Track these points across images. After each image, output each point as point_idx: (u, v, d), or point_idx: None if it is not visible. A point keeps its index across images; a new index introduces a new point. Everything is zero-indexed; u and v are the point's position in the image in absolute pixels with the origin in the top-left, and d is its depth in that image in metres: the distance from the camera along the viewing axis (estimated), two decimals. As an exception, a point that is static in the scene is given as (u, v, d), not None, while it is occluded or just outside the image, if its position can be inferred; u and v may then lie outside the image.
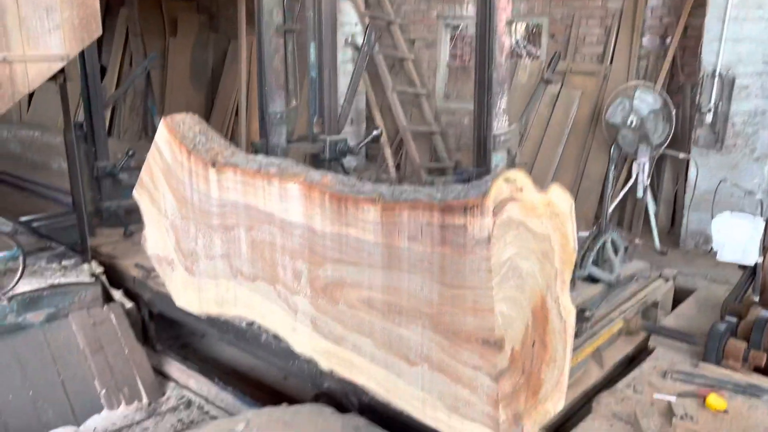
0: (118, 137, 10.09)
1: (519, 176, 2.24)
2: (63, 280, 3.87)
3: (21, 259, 3.43)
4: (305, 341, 3.00)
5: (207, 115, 9.76)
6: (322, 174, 2.80)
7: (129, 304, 4.05)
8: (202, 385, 3.90)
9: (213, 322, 3.75)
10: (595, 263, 3.54)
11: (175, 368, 4.13)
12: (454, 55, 8.16)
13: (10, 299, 3.44)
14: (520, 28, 8.79)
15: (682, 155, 5.48)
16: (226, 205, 3.15)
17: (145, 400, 3.68)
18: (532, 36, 7.27)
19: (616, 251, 3.65)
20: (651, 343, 3.60)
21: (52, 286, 3.72)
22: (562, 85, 6.67)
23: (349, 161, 8.34)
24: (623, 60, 6.39)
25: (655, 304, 3.83)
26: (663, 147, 5.39)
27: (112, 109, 10.29)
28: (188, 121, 3.44)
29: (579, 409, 3.18)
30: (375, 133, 3.63)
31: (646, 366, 3.32)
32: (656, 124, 5.27)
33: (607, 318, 3.44)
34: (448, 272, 2.30)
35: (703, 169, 5.37)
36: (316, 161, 3.55)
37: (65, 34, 3.31)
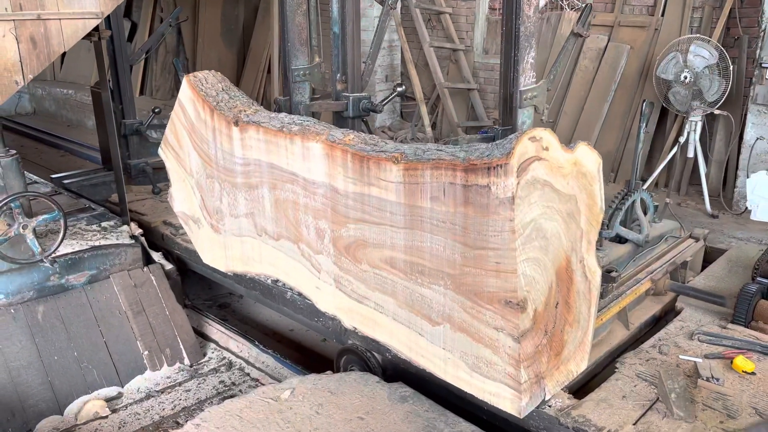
0: (150, 95, 10.09)
1: (545, 135, 2.19)
2: (103, 242, 3.87)
3: (62, 221, 3.42)
4: (328, 299, 3.02)
5: (239, 72, 9.61)
6: (344, 133, 2.77)
7: (169, 266, 4.01)
8: (242, 347, 3.91)
9: (240, 278, 3.80)
10: (623, 223, 3.47)
11: (215, 330, 4.14)
12: (493, 8, 7.73)
13: (53, 262, 3.46)
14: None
15: (717, 111, 5.26)
16: (250, 164, 3.15)
17: (186, 361, 3.70)
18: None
19: (645, 211, 3.57)
20: (678, 304, 3.54)
21: (93, 248, 3.73)
22: (609, 39, 6.30)
23: (384, 120, 8.19)
24: (676, 11, 6.00)
25: (684, 265, 3.76)
26: (718, 104, 5.12)
27: (144, 68, 10.27)
28: (211, 79, 3.42)
29: (603, 369, 3.17)
30: (399, 89, 3.54)
31: (673, 327, 3.27)
32: (711, 81, 5.02)
33: (634, 278, 3.38)
34: (471, 233, 2.28)
35: (760, 129, 5.11)
36: (339, 119, 3.50)
37: (100, -11, 3.17)
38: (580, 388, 2.97)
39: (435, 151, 2.40)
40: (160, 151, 3.78)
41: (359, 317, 2.89)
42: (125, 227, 4.16)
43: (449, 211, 2.33)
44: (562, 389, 2.77)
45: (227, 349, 3.92)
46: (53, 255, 3.45)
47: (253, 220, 3.27)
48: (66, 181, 5.55)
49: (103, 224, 4.20)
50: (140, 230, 4.19)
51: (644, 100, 3.29)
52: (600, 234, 3.36)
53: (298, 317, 3.69)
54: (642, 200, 3.52)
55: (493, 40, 7.78)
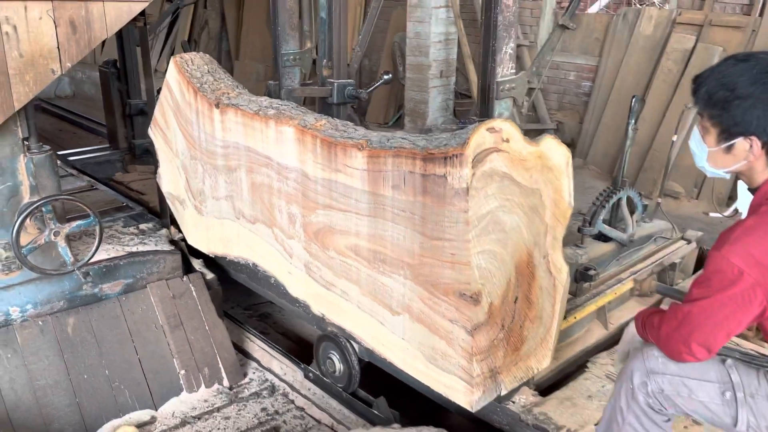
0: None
1: (505, 126, 2.15)
2: (141, 248, 3.54)
3: (97, 228, 3.03)
4: (300, 284, 3.02)
5: (282, 60, 9.51)
6: (317, 118, 2.76)
7: (210, 275, 3.63)
8: (286, 369, 3.50)
9: (226, 261, 3.81)
10: (609, 222, 3.40)
11: (256, 347, 3.74)
12: (561, 1, 7.20)
13: (86, 274, 3.11)
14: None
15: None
16: (229, 146, 3.15)
17: (226, 382, 3.35)
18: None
19: (632, 210, 3.50)
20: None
21: (130, 254, 3.40)
22: (697, 39, 5.78)
23: (435, 118, 7.90)
24: (777, 10, 5.40)
25: (673, 266, 3.67)
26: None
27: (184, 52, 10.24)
28: (197, 61, 3.43)
29: (577, 368, 3.12)
30: (385, 77, 3.50)
31: (653, 329, 3.21)
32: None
33: (615, 278, 3.32)
34: (429, 223, 2.25)
35: None
36: (324, 105, 3.49)
37: (149, -32, 2.85)
38: (551, 387, 2.94)
39: (398, 140, 2.37)
40: (149, 131, 3.81)
41: (327, 303, 2.89)
42: (164, 230, 3.81)
43: (409, 200, 2.30)
44: (527, 386, 2.74)
45: (270, 370, 3.55)
46: (86, 265, 3.12)
47: (232, 203, 3.28)
48: (71, 159, 5.65)
49: (141, 226, 3.86)
50: (181, 234, 3.88)
51: (633, 96, 3.22)
52: (581, 231, 3.32)
53: (281, 302, 3.69)
54: (629, 198, 3.44)
55: (560, 36, 7.37)
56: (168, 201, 3.89)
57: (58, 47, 2.71)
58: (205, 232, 3.58)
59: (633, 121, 3.23)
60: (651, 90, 6.10)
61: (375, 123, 8.95)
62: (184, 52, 6.53)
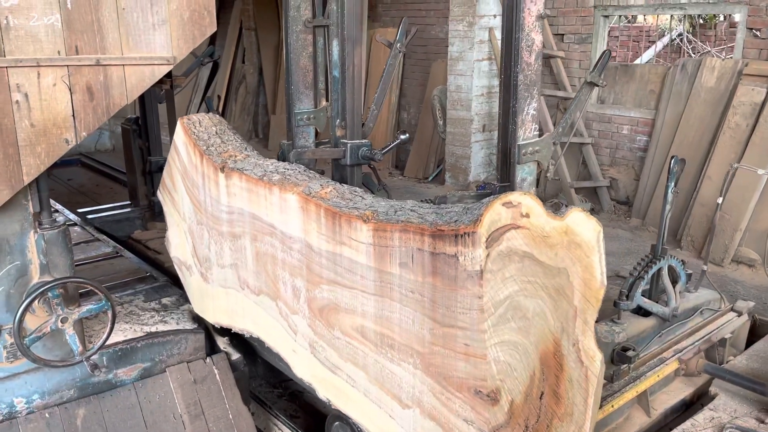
0: (227, 137, 10.13)
1: (524, 199, 1.89)
2: (161, 327, 3.26)
3: (110, 313, 2.74)
4: (304, 365, 2.77)
5: (321, 114, 9.47)
6: (323, 185, 2.55)
7: (235, 355, 3.34)
8: None
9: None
10: (649, 294, 3.08)
11: None
12: (611, 51, 7.11)
13: (94, 367, 2.79)
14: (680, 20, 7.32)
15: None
16: (234, 212, 2.96)
17: None
18: (724, 29, 6.16)
19: (675, 280, 3.17)
20: (713, 389, 3.10)
21: (149, 335, 3.13)
22: None
23: (478, 174, 7.53)
24: None
25: (722, 342, 3.31)
26: None
27: (223, 108, 10.24)
28: (206, 122, 3.29)
29: (616, 462, 2.77)
30: (402, 137, 3.31)
31: (702, 417, 2.85)
32: None
33: (657, 358, 2.98)
34: (440, 307, 1.99)
35: None
36: (338, 167, 3.29)
37: (173, 30, 2.60)
38: (586, 485, 2.59)
39: (407, 212, 2.14)
40: (158, 194, 3.66)
41: (333, 389, 2.62)
42: (187, 305, 3.55)
43: (418, 281, 2.05)
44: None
45: (299, 466, 3.11)
46: (94, 354, 2.76)
47: (236, 272, 3.07)
48: (90, 216, 5.57)
49: (164, 301, 3.58)
50: None
51: (673, 156, 2.93)
52: (618, 305, 3.00)
53: (293, 374, 3.45)
54: (671, 268, 3.12)
55: (611, 88, 6.97)
56: (175, 266, 3.71)
57: (73, 115, 2.49)
58: (211, 301, 3.37)
59: (673, 184, 2.94)
60: (717, 146, 5.65)
61: (414, 178, 8.77)
62: (208, 108, 6.53)
